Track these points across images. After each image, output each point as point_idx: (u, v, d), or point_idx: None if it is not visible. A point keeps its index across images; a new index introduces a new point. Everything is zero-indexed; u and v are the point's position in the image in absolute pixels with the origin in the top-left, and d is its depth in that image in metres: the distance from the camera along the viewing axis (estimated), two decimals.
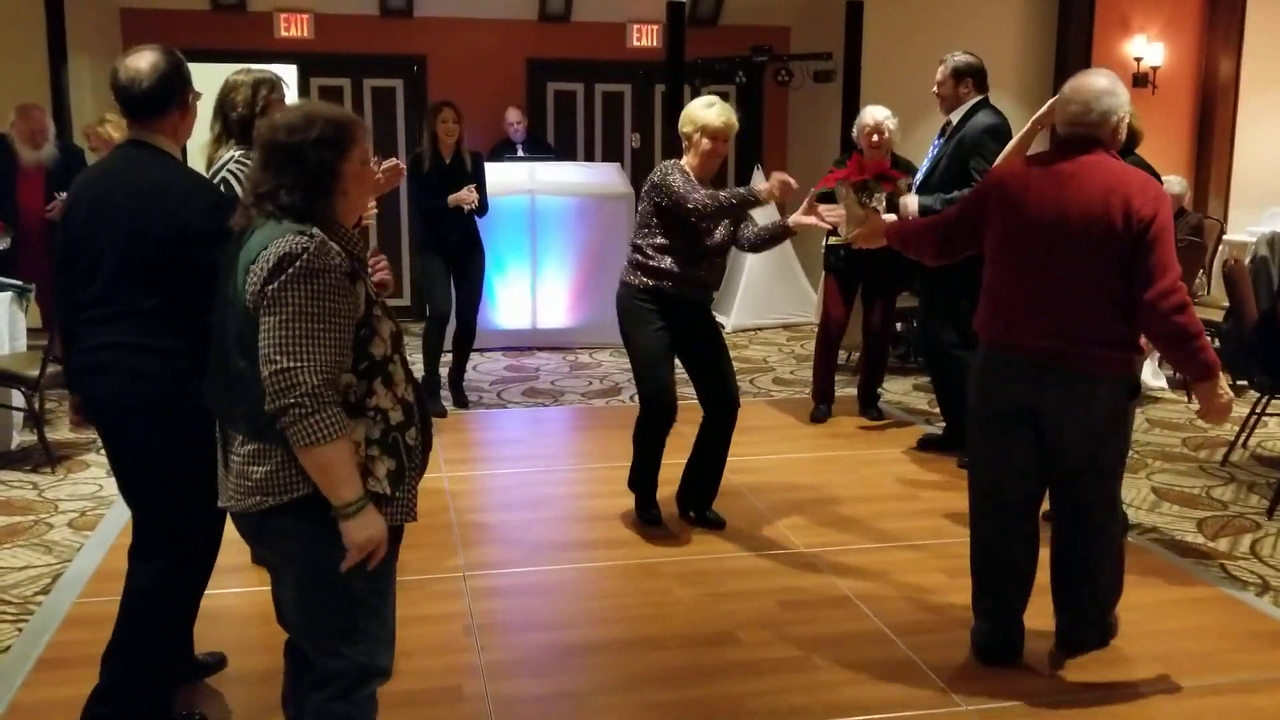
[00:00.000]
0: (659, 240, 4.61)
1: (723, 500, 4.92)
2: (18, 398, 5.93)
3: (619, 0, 10.40)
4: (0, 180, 7.10)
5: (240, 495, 2.44)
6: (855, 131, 6.33)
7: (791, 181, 4.38)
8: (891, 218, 4.13)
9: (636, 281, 4.71)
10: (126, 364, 2.99)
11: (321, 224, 2.38)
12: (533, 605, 4.18)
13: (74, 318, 3.07)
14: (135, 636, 3.12)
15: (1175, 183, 7.77)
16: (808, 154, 10.49)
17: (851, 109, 8.97)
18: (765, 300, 9.68)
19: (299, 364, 2.26)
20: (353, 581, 2.43)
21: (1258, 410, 5.88)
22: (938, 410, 6.29)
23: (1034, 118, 4.62)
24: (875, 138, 6.15)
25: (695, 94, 8.26)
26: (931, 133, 5.87)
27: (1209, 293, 8.49)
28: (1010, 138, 5.42)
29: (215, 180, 3.68)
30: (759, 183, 4.68)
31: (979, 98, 5.64)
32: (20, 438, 6.14)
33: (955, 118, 5.67)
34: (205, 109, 3.53)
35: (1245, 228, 9.48)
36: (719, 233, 4.62)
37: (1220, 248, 8.95)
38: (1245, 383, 5.95)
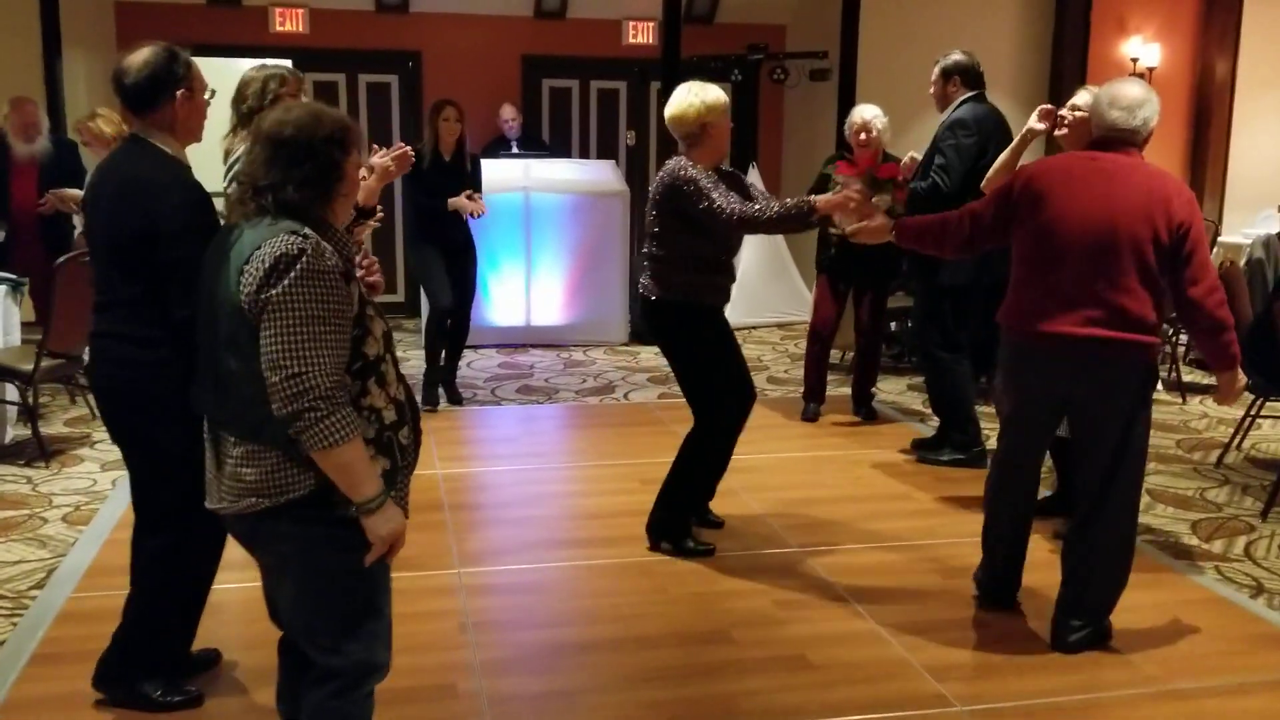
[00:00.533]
0: (693, 251, 4.35)
1: (717, 499, 4.92)
2: (11, 391, 5.92)
3: None
4: None
5: (234, 497, 2.42)
6: (846, 130, 6.37)
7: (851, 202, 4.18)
8: (885, 220, 4.12)
9: (686, 299, 4.39)
10: (113, 351, 3.13)
11: (316, 224, 2.38)
12: (528, 603, 4.18)
13: (94, 301, 3.23)
14: (146, 609, 3.28)
15: None
16: (803, 153, 10.49)
17: (847, 108, 8.92)
18: (759, 299, 9.69)
19: (309, 368, 2.25)
20: (351, 579, 2.43)
21: (1252, 412, 5.89)
22: (930, 410, 6.30)
23: (1026, 127, 4.63)
24: (863, 136, 6.21)
25: None
26: (928, 131, 5.89)
27: None
28: (984, 129, 5.44)
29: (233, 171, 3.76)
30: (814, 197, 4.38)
31: (968, 94, 5.64)
32: (14, 432, 6.12)
33: (946, 116, 5.69)
34: (220, 105, 3.54)
35: (1240, 230, 9.48)
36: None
37: (1215, 250, 8.96)
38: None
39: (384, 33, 10.17)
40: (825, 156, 7.18)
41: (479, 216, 6.82)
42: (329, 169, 2.40)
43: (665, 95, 8.87)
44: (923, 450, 5.95)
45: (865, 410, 6.74)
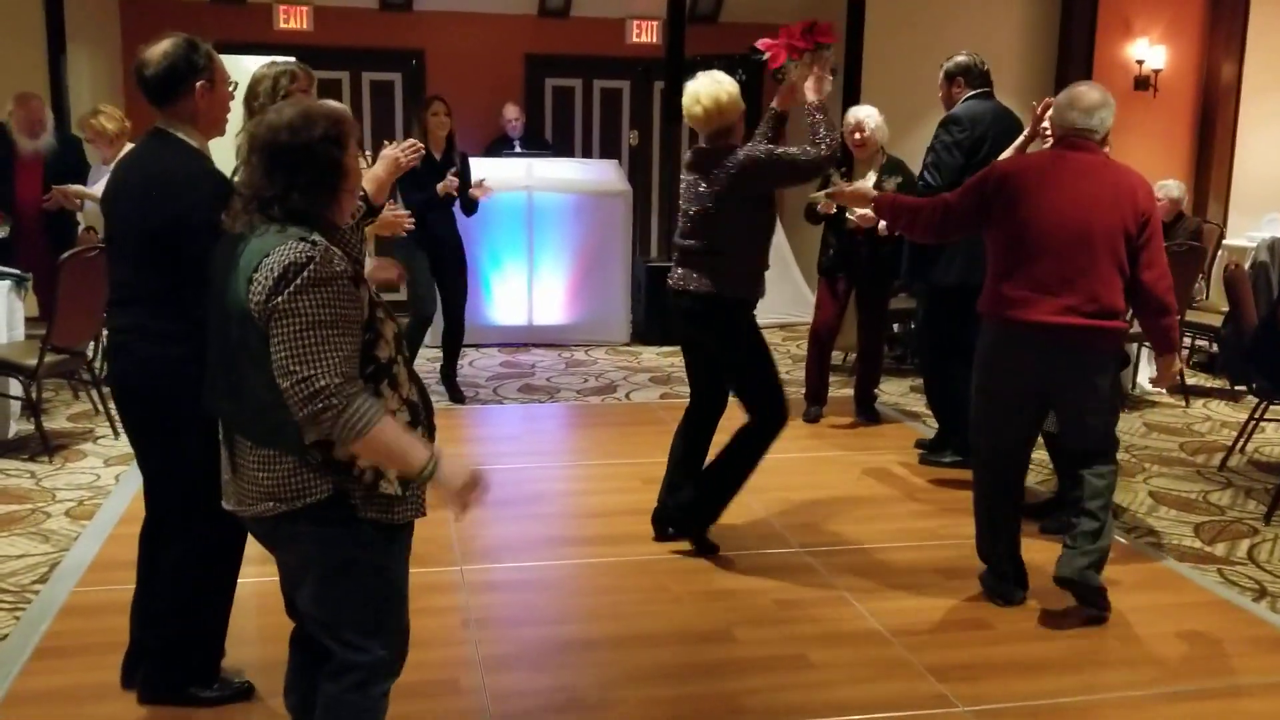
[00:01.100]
0: (754, 245, 4.46)
1: None
2: (15, 386, 5.92)
3: None
4: None
5: (251, 500, 2.42)
6: (842, 130, 6.38)
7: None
8: (870, 189, 4.34)
9: (738, 294, 4.50)
10: (134, 347, 3.10)
11: (323, 228, 2.36)
12: (530, 600, 4.18)
13: (110, 298, 3.21)
14: (186, 624, 3.25)
15: (1173, 187, 7.76)
16: None
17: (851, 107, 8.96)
18: (762, 300, 9.66)
19: (316, 370, 2.24)
20: (373, 577, 2.45)
21: (1256, 416, 5.89)
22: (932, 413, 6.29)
23: (1030, 127, 4.66)
24: (857, 135, 6.31)
25: None
26: (931, 131, 5.87)
27: (1208, 297, 8.49)
28: (978, 125, 5.44)
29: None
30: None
31: (972, 93, 5.62)
32: (18, 426, 6.12)
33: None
34: (238, 101, 3.54)
35: (1245, 233, 9.46)
36: None
37: (1220, 253, 8.96)
38: (1244, 388, 5.95)
39: (388, 31, 10.18)
40: None
41: (487, 197, 7.01)
42: (330, 169, 2.37)
43: (669, 95, 8.92)
44: (925, 452, 5.95)
45: (868, 412, 6.74)
